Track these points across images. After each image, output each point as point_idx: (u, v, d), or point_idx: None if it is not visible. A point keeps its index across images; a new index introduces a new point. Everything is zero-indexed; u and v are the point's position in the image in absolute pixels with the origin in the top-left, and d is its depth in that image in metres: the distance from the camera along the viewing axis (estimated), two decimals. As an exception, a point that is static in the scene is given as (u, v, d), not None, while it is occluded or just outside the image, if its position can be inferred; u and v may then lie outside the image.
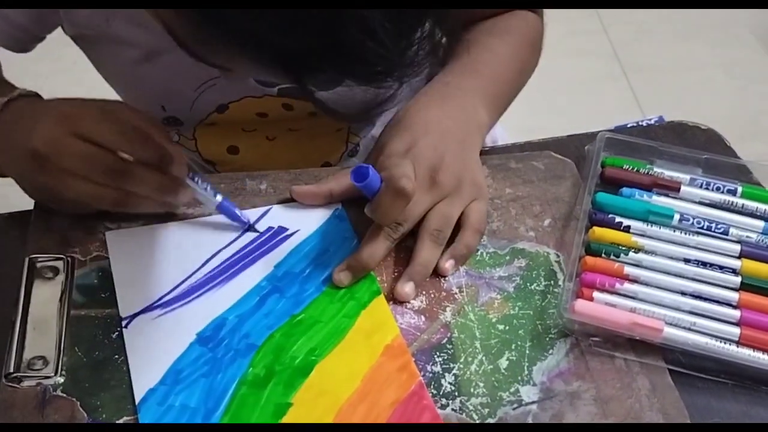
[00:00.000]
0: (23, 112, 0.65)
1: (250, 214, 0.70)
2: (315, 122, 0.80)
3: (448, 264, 0.66)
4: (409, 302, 0.64)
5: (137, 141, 0.60)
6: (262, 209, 0.70)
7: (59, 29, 0.77)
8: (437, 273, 0.66)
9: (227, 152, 0.85)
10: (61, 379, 0.59)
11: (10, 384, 0.58)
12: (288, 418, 0.57)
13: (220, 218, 0.69)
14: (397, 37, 0.46)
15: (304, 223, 0.69)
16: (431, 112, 0.71)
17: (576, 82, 1.96)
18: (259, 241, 0.68)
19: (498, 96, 0.77)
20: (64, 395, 0.58)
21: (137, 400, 0.58)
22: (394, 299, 0.64)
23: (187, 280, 0.65)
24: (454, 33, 0.84)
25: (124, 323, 0.62)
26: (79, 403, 0.58)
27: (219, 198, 0.67)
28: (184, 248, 0.67)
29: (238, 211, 0.68)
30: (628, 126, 1.12)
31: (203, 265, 0.66)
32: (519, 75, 0.81)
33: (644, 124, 1.30)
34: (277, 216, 0.70)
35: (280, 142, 0.85)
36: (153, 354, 0.60)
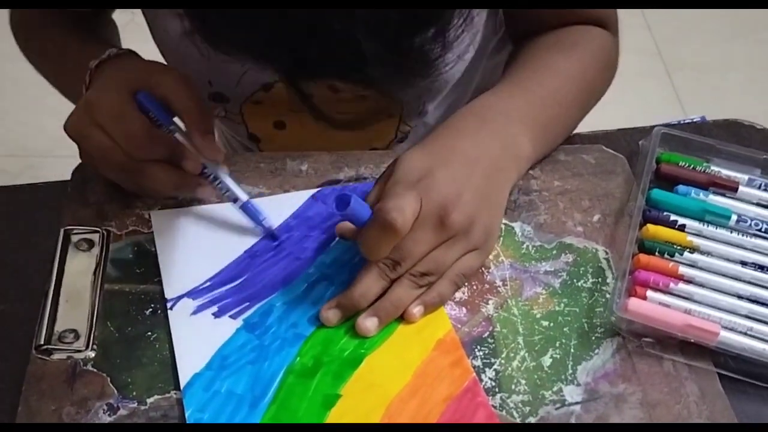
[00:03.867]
0: (96, 81, 0.67)
1: (296, 197, 0.68)
2: (365, 108, 0.77)
3: (416, 310, 0.60)
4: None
5: (144, 144, 0.62)
6: (310, 192, 0.68)
7: None
8: (404, 316, 0.60)
9: (273, 127, 0.83)
10: (92, 354, 0.58)
11: (40, 356, 0.57)
12: (337, 410, 0.55)
13: (269, 201, 0.67)
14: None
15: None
16: (460, 139, 0.64)
17: (617, 79, 1.92)
18: (307, 225, 0.66)
19: (549, 123, 0.69)
20: (95, 370, 0.57)
21: (182, 385, 0.56)
22: None
23: (233, 264, 0.63)
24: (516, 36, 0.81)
25: (169, 305, 0.60)
26: (109, 378, 0.57)
27: (243, 197, 0.64)
28: (231, 231, 0.65)
29: (261, 217, 0.65)
30: (672, 124, 1.09)
31: (250, 248, 0.64)
32: (584, 96, 0.73)
33: (687, 122, 1.27)
34: (325, 198, 0.68)
35: (328, 123, 0.82)
36: (198, 338, 0.59)
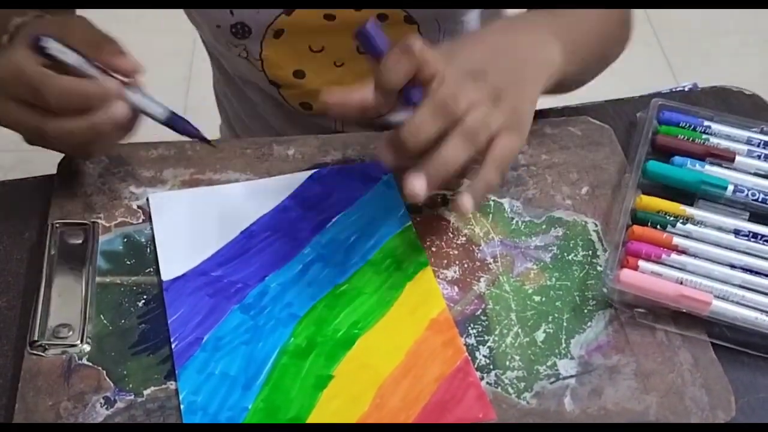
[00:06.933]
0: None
1: (294, 179, 0.68)
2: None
3: (465, 199, 0.55)
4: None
5: (50, 89, 0.57)
6: (308, 173, 0.68)
7: None
8: (454, 209, 0.57)
9: (293, 76, 0.82)
10: (87, 348, 0.58)
11: (35, 352, 0.57)
12: (329, 390, 0.56)
13: (265, 182, 0.67)
14: None
15: (351, 188, 0.67)
16: (489, 35, 0.62)
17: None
18: (304, 206, 0.66)
19: (576, 44, 0.66)
20: (90, 364, 0.57)
21: (177, 368, 0.56)
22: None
23: (229, 245, 0.63)
24: None
25: (165, 287, 0.61)
26: (105, 372, 0.57)
27: (161, 112, 0.61)
28: (228, 212, 0.65)
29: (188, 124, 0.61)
30: (663, 92, 1.08)
31: (246, 229, 0.64)
32: (605, 39, 0.72)
33: (678, 90, 1.27)
34: (323, 179, 0.68)
35: (348, 69, 0.80)
36: (194, 320, 0.59)
